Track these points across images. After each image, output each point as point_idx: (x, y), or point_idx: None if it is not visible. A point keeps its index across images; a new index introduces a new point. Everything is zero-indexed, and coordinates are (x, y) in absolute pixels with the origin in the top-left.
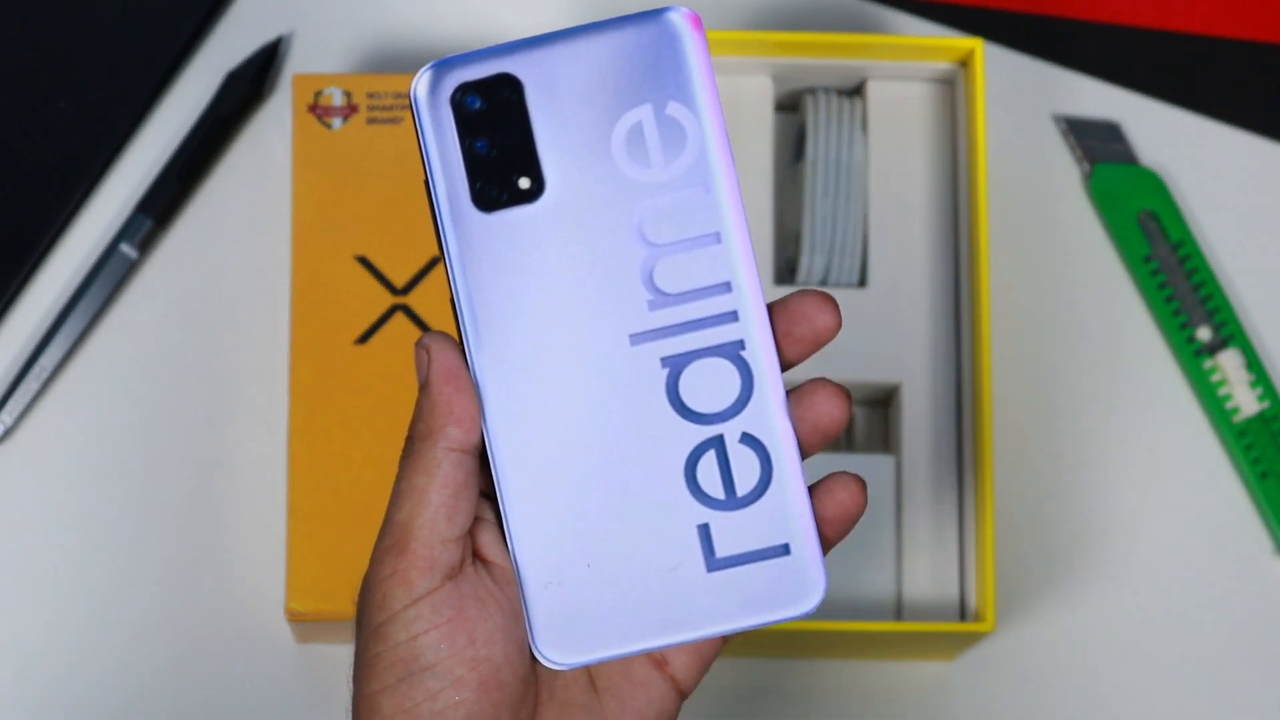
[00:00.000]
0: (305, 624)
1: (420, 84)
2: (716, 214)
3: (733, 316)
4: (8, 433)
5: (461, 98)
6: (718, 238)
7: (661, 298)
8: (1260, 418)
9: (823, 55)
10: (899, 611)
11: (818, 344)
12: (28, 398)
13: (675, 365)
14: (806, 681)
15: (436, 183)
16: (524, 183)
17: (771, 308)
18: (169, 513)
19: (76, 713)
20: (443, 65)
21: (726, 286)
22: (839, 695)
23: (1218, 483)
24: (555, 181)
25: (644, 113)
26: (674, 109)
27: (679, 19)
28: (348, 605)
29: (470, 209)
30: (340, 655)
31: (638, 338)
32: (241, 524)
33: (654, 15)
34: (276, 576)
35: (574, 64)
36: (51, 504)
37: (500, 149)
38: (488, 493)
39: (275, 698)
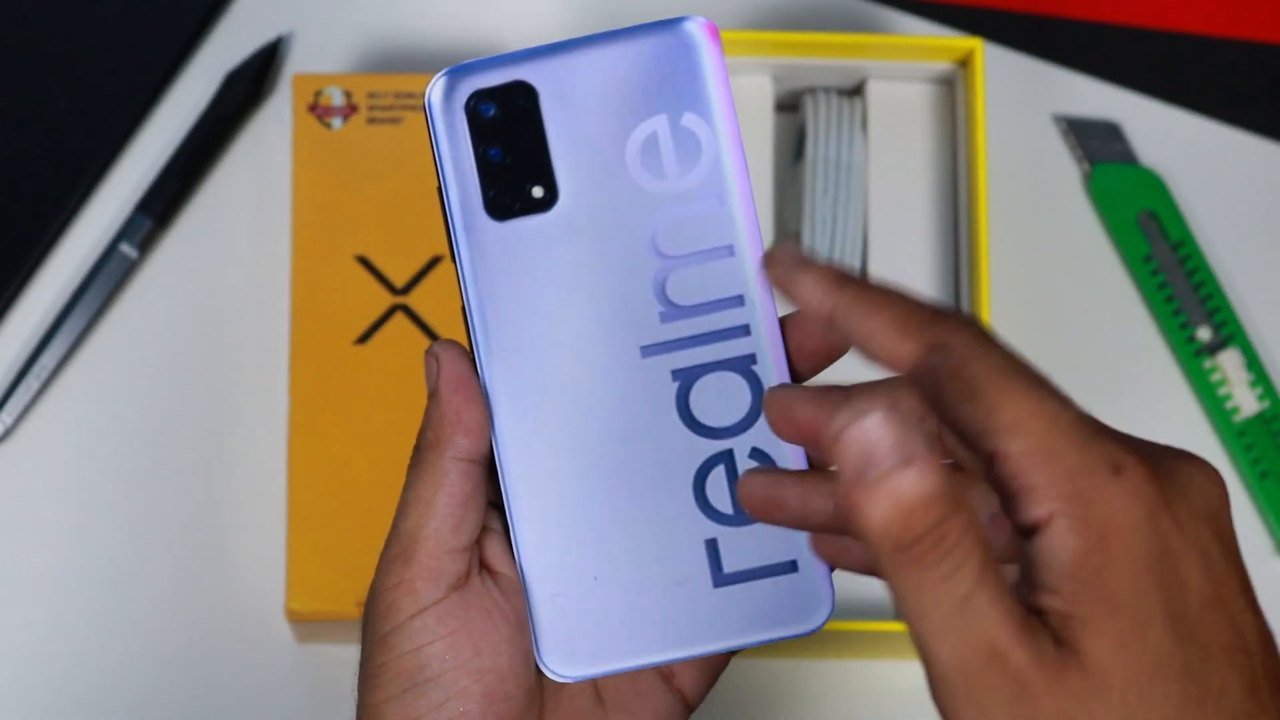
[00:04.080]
0: (305, 624)
1: (435, 90)
2: (730, 227)
3: (745, 330)
4: (8, 433)
5: (476, 105)
6: (731, 250)
7: (673, 310)
8: (1260, 418)
9: (823, 55)
10: (899, 611)
11: (830, 359)
12: (28, 398)
13: (686, 378)
14: (806, 681)
15: (449, 190)
16: (537, 191)
17: (784, 322)
18: (169, 513)
19: (76, 712)
20: (457, 72)
21: (739, 300)
22: (839, 695)
23: None
24: (569, 191)
25: (659, 123)
26: (689, 120)
27: (696, 29)
28: (348, 605)
29: (483, 217)
30: (340, 655)
31: (649, 350)
32: (241, 524)
33: (670, 24)
34: (276, 576)
35: (589, 72)
36: (51, 504)
37: (514, 157)
38: (495, 503)
39: (275, 698)
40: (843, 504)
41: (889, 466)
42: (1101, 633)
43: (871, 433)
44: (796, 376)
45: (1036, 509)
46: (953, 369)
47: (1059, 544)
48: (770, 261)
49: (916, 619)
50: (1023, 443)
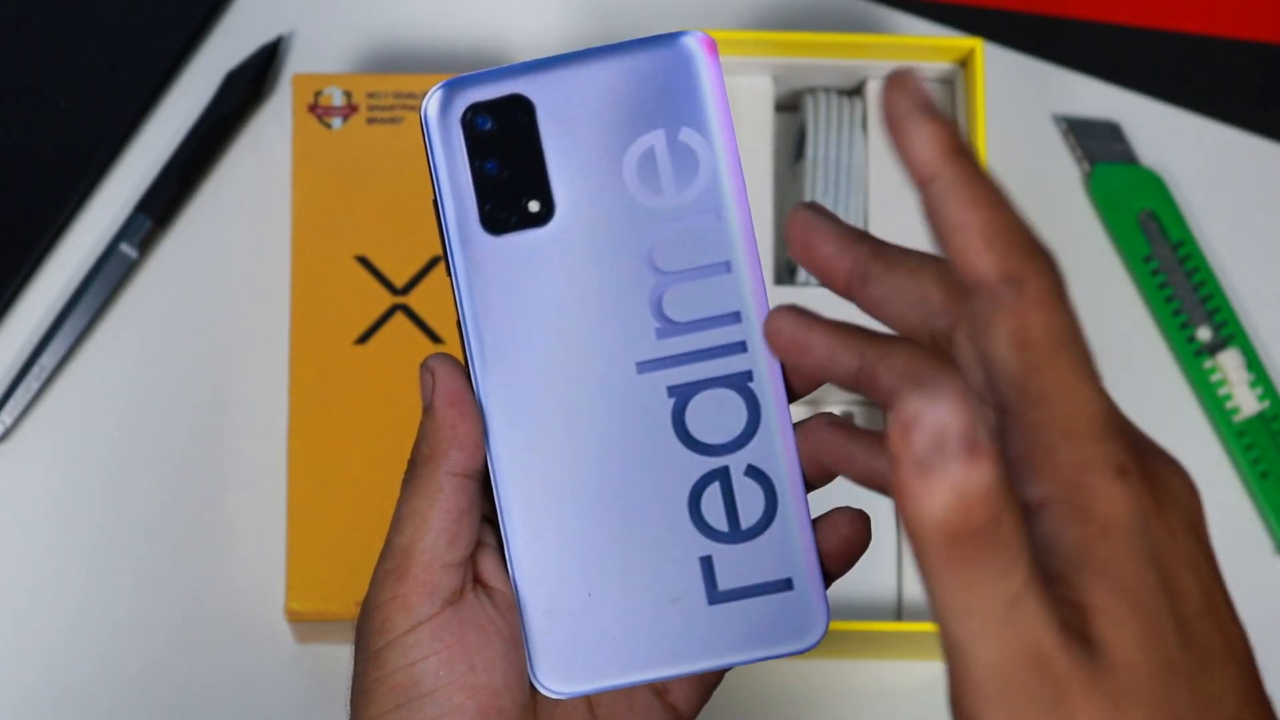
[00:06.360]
0: (305, 624)
1: (431, 103)
2: (727, 243)
3: (741, 347)
4: (8, 433)
5: (472, 118)
6: (728, 267)
7: (670, 326)
8: (1260, 418)
9: (823, 55)
10: (899, 612)
11: (826, 378)
12: (28, 398)
13: (682, 395)
14: (807, 681)
15: (445, 203)
16: (533, 206)
17: None
18: (169, 512)
19: (75, 712)
20: (454, 85)
21: (736, 317)
22: (839, 695)
23: (1218, 483)
24: (565, 205)
25: (656, 138)
26: (687, 135)
27: (693, 43)
28: (348, 605)
29: (479, 231)
30: (340, 655)
31: (645, 366)
32: (241, 524)
33: (668, 39)
34: (276, 576)
35: (586, 86)
36: (51, 504)
37: (510, 171)
38: (490, 517)
39: (275, 698)
40: (896, 487)
41: (955, 455)
42: (1122, 628)
43: (946, 418)
44: (792, 394)
45: (1033, 489)
46: (1010, 307)
47: (1058, 531)
48: (894, 88)
49: (959, 617)
50: (1044, 414)
